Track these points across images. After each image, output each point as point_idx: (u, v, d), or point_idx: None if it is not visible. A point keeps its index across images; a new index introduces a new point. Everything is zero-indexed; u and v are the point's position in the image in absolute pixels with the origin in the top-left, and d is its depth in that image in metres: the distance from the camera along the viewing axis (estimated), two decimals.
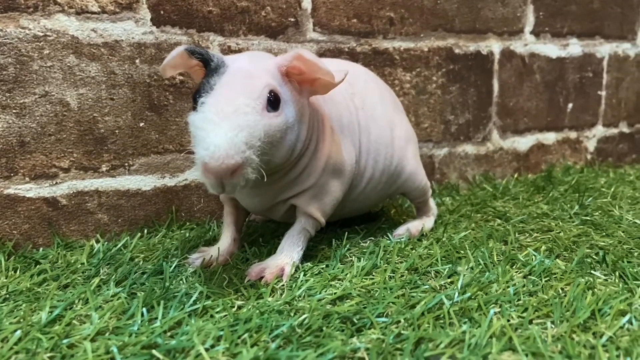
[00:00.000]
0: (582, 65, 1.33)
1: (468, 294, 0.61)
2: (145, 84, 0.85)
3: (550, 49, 1.27)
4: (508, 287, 0.64)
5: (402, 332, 0.54)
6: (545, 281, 0.67)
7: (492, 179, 1.23)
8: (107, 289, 0.65)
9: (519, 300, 0.61)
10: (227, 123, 0.56)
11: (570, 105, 1.33)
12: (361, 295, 0.63)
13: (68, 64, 0.79)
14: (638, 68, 1.43)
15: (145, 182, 0.87)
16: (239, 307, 0.60)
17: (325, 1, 0.97)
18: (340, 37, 1.00)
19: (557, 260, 0.73)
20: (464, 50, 1.14)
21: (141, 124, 0.85)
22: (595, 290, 0.64)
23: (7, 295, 0.64)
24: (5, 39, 0.75)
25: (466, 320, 0.56)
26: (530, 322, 0.56)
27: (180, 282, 0.68)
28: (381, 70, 1.05)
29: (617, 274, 0.68)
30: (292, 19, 0.95)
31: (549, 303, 0.60)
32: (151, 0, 0.84)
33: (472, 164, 1.21)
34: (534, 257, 0.74)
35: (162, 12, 0.85)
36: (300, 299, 0.63)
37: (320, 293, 0.64)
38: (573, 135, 1.36)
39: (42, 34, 0.77)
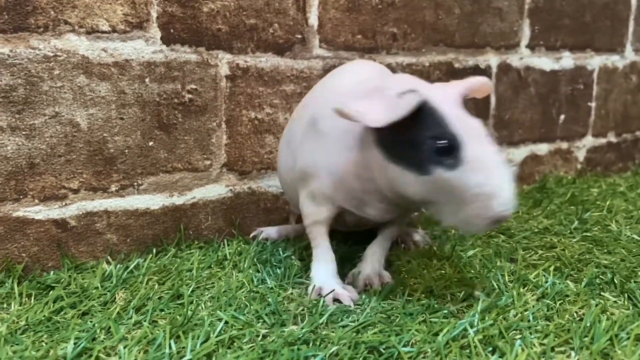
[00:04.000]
0: (573, 77, 1.36)
1: (490, 321, 0.63)
2: (155, 102, 0.84)
3: (544, 62, 1.29)
4: (525, 311, 0.66)
5: None
6: (559, 304, 0.68)
7: None
8: (129, 317, 0.64)
9: (537, 325, 0.63)
10: (507, 175, 0.59)
11: (562, 117, 1.36)
12: (383, 322, 0.64)
13: (78, 84, 0.78)
14: (626, 79, 1.47)
15: (154, 201, 0.87)
16: (264, 337, 0.61)
17: (332, 17, 0.98)
18: (345, 53, 1.00)
19: (567, 281, 0.75)
20: (463, 65, 1.16)
21: (150, 143, 0.85)
22: (609, 313, 0.66)
23: (27, 326, 0.63)
24: (15, 60, 0.74)
25: (491, 349, 0.58)
26: (553, 349, 0.58)
27: (200, 307, 0.68)
28: None
29: (625, 295, 0.70)
30: (299, 36, 0.95)
31: (566, 328, 0.62)
32: (161, 19, 0.83)
33: None
34: (544, 277, 0.76)
35: (172, 31, 0.84)
36: (323, 326, 0.63)
37: (342, 320, 0.64)
38: (564, 145, 1.39)
39: (52, 54, 0.76)
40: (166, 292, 0.72)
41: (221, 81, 0.89)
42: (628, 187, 1.30)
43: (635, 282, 0.74)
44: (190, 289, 0.72)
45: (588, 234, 0.95)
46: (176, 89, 0.85)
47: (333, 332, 0.61)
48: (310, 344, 0.59)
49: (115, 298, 0.70)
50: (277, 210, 0.98)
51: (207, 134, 0.89)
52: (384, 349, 0.58)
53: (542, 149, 1.34)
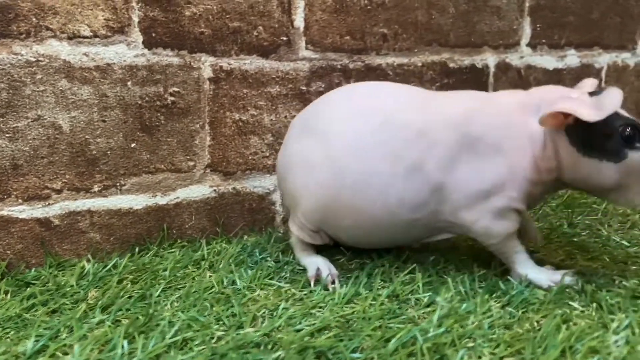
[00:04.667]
0: (579, 76, 1.32)
1: (443, 328, 0.62)
2: (137, 105, 0.86)
3: (547, 60, 1.27)
4: (485, 319, 0.66)
5: None
6: (522, 312, 0.68)
7: None
8: (94, 316, 0.67)
9: (493, 334, 0.63)
10: None
11: None
12: (340, 327, 0.65)
13: (60, 88, 0.81)
14: (638, 77, 1.42)
15: (137, 201, 0.89)
16: (219, 339, 0.62)
17: (318, 19, 0.98)
18: (333, 55, 1.01)
19: (536, 289, 0.74)
20: (459, 64, 1.15)
21: (133, 145, 0.87)
22: (571, 324, 0.65)
23: None
24: None
25: (438, 356, 0.58)
26: (501, 359, 0.58)
27: (166, 307, 0.70)
28: None
29: (594, 305, 0.69)
30: (285, 38, 0.96)
31: (523, 338, 0.61)
32: (143, 24, 0.85)
33: None
34: (514, 284, 0.75)
35: (153, 35, 0.86)
36: (280, 329, 0.64)
37: (300, 323, 0.65)
38: None
39: (34, 60, 0.79)
40: (137, 291, 0.74)
41: (204, 84, 0.90)
42: None
43: (608, 291, 0.73)
44: (160, 289, 0.74)
45: (575, 239, 0.93)
46: (159, 92, 0.87)
47: (287, 335, 0.62)
48: (262, 348, 0.60)
49: (87, 296, 0.73)
50: (263, 210, 1.00)
51: (191, 136, 0.91)
52: (332, 354, 0.58)
53: None
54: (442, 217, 0.76)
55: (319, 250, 0.85)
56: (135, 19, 0.84)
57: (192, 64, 0.89)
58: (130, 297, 0.73)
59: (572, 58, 1.30)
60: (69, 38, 0.81)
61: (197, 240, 0.93)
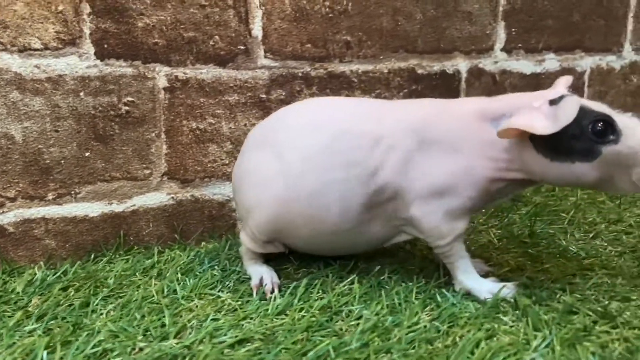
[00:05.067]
0: None
1: (361, 342, 0.63)
2: (90, 115, 0.88)
3: (524, 65, 1.25)
4: (409, 332, 0.66)
5: None
6: (449, 327, 0.67)
7: None
8: (27, 325, 0.69)
9: (412, 348, 0.63)
10: None
11: None
12: (263, 339, 0.65)
13: (12, 100, 0.83)
14: (624, 80, 1.39)
15: (93, 209, 0.91)
16: (141, 350, 0.63)
17: (277, 28, 0.98)
18: (293, 63, 1.01)
19: (468, 302, 0.73)
20: (428, 70, 1.14)
21: (87, 154, 0.89)
22: (495, 339, 0.64)
23: None
24: None
25: None
26: None
27: (100, 317, 0.71)
28: (338, 93, 1.05)
29: (524, 320, 0.68)
30: (242, 47, 0.96)
31: (440, 353, 0.61)
32: (95, 35, 0.86)
33: None
34: (451, 296, 0.75)
35: (106, 46, 0.87)
36: (203, 341, 0.65)
37: (225, 335, 0.66)
38: None
39: None
40: (78, 299, 0.76)
41: (159, 93, 0.92)
42: (611, 196, 1.23)
43: (545, 305, 0.72)
44: (101, 297, 0.76)
45: (530, 250, 0.92)
46: (112, 102, 0.89)
47: (207, 348, 0.63)
48: None
49: (29, 303, 0.75)
50: (223, 217, 1.01)
51: (146, 144, 0.92)
52: None
53: None
54: (400, 215, 0.76)
55: (268, 258, 0.85)
56: (87, 31, 0.86)
57: (146, 74, 0.90)
58: (70, 305, 0.74)
59: (552, 62, 1.28)
60: (20, 51, 0.83)
61: (154, 247, 0.95)
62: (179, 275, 0.83)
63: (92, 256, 0.90)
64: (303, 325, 0.68)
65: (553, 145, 0.68)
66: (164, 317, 0.70)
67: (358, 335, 0.64)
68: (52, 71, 0.85)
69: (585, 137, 0.67)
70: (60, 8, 0.84)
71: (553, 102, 0.68)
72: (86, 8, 0.85)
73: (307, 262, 0.87)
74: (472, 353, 0.61)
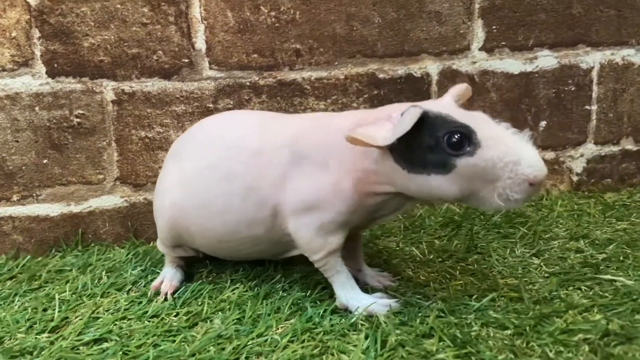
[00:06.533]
0: (558, 78, 1.20)
1: (194, 350, 0.67)
2: (46, 127, 1.00)
3: (510, 64, 1.17)
4: (249, 343, 0.68)
5: None
6: (289, 341, 0.69)
7: (433, 206, 1.19)
8: None
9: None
10: (525, 142, 0.65)
11: (543, 123, 1.22)
12: (117, 340, 0.71)
13: None
14: None
15: (53, 209, 1.03)
16: (15, 339, 0.73)
17: (221, 40, 1.03)
18: (240, 73, 1.05)
19: (337, 317, 0.73)
20: (390, 75, 1.12)
21: (44, 161, 1.01)
22: (322, 357, 0.65)
23: None
24: None
25: None
26: None
27: (9, 307, 0.82)
28: (290, 100, 1.08)
29: (373, 339, 0.67)
30: (186, 60, 1.02)
31: None
32: (45, 57, 0.97)
33: None
34: (320, 310, 0.75)
35: (55, 65, 0.98)
36: (67, 337, 0.73)
37: (89, 332, 0.73)
38: (550, 155, 1.24)
39: None
40: (8, 289, 0.87)
41: (107, 105, 1.01)
42: (607, 207, 1.13)
43: (405, 325, 0.70)
44: (24, 290, 0.87)
45: (451, 265, 0.88)
46: (64, 115, 1.00)
47: (64, 343, 0.71)
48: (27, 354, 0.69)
49: None
50: None
51: (98, 152, 1.02)
52: None
53: None
54: (285, 231, 0.78)
55: (191, 261, 0.92)
56: (38, 53, 0.97)
57: (94, 88, 1.00)
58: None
59: (547, 59, 1.19)
60: None
61: (111, 245, 1.05)
62: (103, 273, 0.92)
63: (53, 251, 1.02)
64: (162, 329, 0.73)
65: (409, 157, 0.67)
66: (58, 312, 0.79)
67: (200, 343, 0.68)
68: (10, 89, 0.97)
69: (440, 148, 0.65)
70: (13, 34, 0.96)
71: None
72: (36, 33, 0.97)
73: (231, 266, 0.92)
74: None
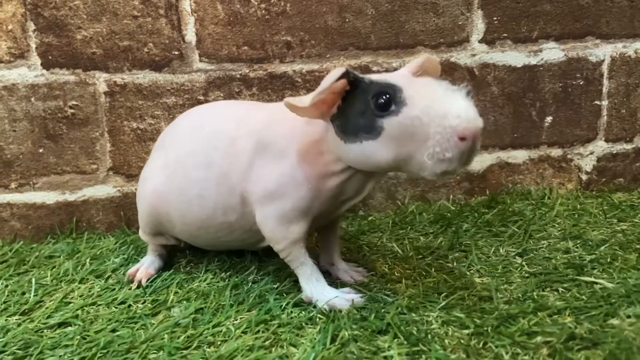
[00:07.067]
0: (565, 72, 1.15)
1: (147, 336, 0.67)
2: (41, 117, 1.03)
3: (513, 56, 1.13)
4: (206, 332, 0.68)
5: None
6: (243, 332, 0.69)
7: (429, 203, 1.16)
8: None
9: (181, 346, 0.66)
10: (458, 93, 0.60)
11: (548, 119, 1.17)
12: (80, 324, 0.73)
13: None
14: None
15: (49, 197, 1.06)
16: None
17: (211, 32, 1.04)
18: (230, 65, 1.05)
19: (298, 310, 0.73)
20: (385, 67, 1.10)
21: (40, 150, 1.04)
22: (267, 350, 0.64)
23: None
24: None
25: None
26: None
27: None
28: (280, 93, 1.07)
29: (320, 336, 0.67)
30: (177, 52, 1.04)
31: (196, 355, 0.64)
32: (40, 49, 1.00)
33: (404, 184, 1.16)
34: (282, 303, 0.75)
35: (50, 57, 1.01)
36: (35, 319, 0.75)
37: (56, 317, 0.75)
38: (556, 152, 1.19)
39: None
40: None
41: (100, 97, 1.03)
42: (612, 207, 1.07)
43: (363, 320, 0.69)
44: (10, 274, 0.90)
45: (427, 263, 0.86)
46: (59, 105, 1.03)
47: (30, 325, 0.73)
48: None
49: None
50: None
51: (91, 143, 1.05)
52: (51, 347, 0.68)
53: (518, 156, 1.18)
54: (253, 219, 0.78)
55: (175, 250, 0.93)
56: (33, 45, 1.00)
57: (87, 80, 1.03)
58: None
59: (553, 52, 1.14)
60: None
61: (105, 233, 1.07)
62: (88, 260, 0.94)
63: (48, 238, 1.06)
64: (126, 316, 0.74)
65: (345, 127, 0.66)
66: (34, 295, 0.82)
67: (156, 331, 0.69)
68: (7, 80, 1.01)
69: (369, 112, 0.63)
70: (10, 27, 0.99)
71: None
72: (31, 26, 1.00)
73: (208, 257, 0.92)
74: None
